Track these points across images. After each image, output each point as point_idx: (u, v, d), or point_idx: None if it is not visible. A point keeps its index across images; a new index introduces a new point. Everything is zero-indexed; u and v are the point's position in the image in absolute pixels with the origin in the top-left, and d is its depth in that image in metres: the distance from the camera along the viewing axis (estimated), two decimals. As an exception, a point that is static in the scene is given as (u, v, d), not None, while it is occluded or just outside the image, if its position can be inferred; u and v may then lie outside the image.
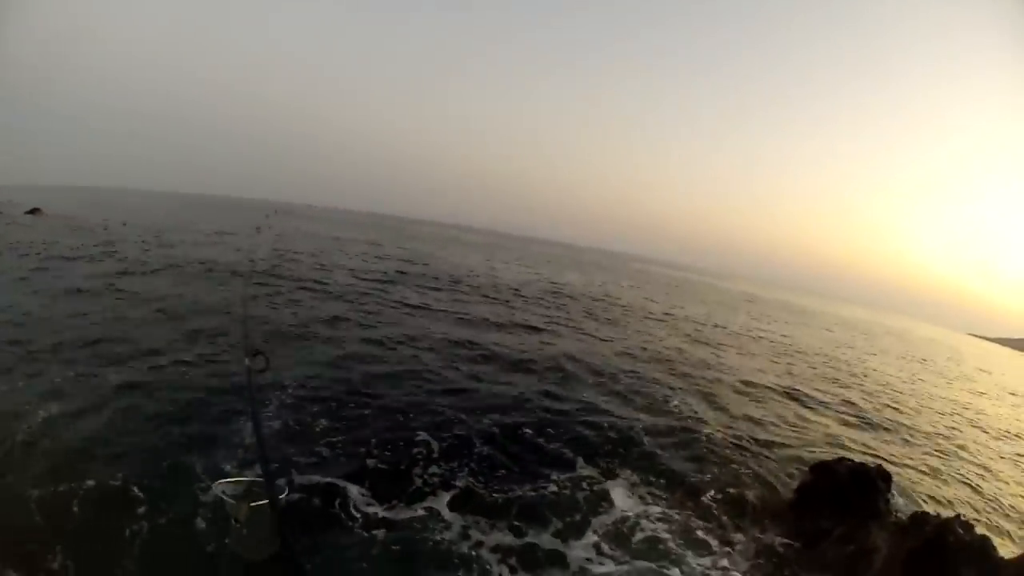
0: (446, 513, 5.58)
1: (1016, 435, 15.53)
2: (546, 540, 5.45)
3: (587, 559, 5.29)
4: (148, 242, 21.74)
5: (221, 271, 16.57)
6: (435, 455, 6.75)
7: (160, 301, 11.75)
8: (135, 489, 4.95)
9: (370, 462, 6.30)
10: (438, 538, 5.15)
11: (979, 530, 6.48)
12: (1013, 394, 25.73)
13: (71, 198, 51.97)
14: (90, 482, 4.95)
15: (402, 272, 23.64)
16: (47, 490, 4.75)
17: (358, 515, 5.29)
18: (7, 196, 39.68)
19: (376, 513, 5.36)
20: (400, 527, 5.22)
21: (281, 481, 2.29)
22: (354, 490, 5.62)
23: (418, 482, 6.09)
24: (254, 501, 2.04)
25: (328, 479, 5.72)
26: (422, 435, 7.15)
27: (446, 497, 5.87)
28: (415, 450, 6.78)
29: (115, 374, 7.42)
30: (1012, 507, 9.24)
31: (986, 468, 11.16)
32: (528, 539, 5.38)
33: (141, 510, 4.73)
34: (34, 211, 30.13)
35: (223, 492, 2.12)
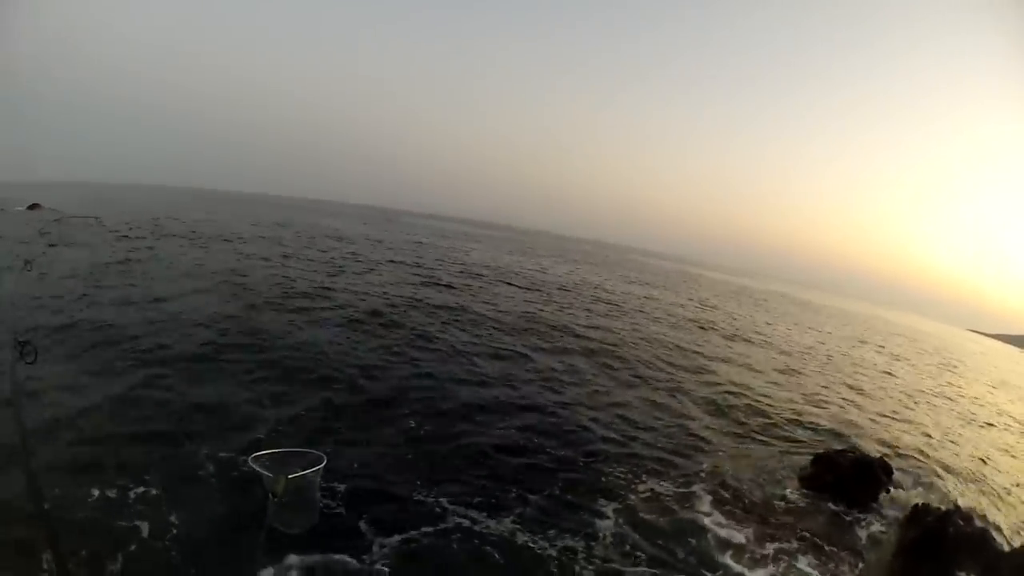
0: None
1: (1011, 426, 15.57)
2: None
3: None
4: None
5: None
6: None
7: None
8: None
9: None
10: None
11: (978, 522, 6.50)
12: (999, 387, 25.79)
13: (70, 195, 51.45)
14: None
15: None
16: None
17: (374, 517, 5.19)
18: (6, 193, 39.31)
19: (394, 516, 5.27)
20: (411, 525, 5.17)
21: (320, 454, 2.16)
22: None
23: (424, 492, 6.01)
24: (291, 474, 1.94)
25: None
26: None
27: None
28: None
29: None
30: (1010, 497, 9.26)
31: (985, 459, 11.18)
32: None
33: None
34: (34, 206, 30.17)
35: (258, 466, 2.00)
